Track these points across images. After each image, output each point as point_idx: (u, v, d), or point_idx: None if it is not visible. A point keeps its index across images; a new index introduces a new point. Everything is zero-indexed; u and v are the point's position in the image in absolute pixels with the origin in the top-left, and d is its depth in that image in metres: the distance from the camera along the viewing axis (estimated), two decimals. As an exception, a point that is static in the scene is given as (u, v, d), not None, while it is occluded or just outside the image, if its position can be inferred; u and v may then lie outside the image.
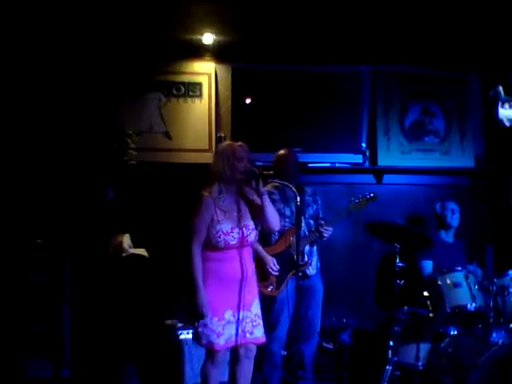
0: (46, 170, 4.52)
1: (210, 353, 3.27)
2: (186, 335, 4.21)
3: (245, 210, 3.37)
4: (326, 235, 4.09)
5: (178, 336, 4.21)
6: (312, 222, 4.22)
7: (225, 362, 3.48)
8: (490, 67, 5.07)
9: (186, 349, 4.20)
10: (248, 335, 3.29)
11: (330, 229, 4.10)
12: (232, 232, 3.26)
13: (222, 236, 3.23)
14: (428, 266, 4.47)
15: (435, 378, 3.90)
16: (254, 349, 3.38)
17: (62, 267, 4.39)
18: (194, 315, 3.22)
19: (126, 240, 4.38)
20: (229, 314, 3.25)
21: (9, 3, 3.83)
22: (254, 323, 3.31)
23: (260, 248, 3.99)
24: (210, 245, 3.26)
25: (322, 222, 4.12)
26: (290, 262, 3.99)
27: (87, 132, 4.62)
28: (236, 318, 3.26)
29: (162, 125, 4.86)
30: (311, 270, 4.17)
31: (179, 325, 4.32)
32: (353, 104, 4.95)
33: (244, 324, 3.28)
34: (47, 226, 4.43)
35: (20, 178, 4.46)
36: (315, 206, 4.27)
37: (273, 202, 4.00)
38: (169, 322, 4.39)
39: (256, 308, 3.35)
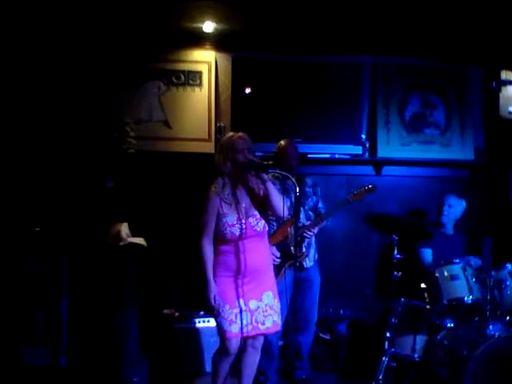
0: (45, 159, 4.51)
1: (223, 341, 3.31)
2: (202, 324, 4.24)
3: (250, 200, 3.39)
4: (307, 237, 4.10)
5: (195, 325, 4.25)
6: (311, 213, 4.22)
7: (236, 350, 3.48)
8: (490, 60, 5.06)
9: (203, 337, 4.24)
10: (260, 326, 3.34)
11: (314, 230, 4.11)
12: (237, 223, 3.30)
13: (228, 228, 3.29)
14: (427, 254, 4.47)
15: (431, 369, 3.92)
16: (261, 339, 3.43)
17: (60, 256, 4.39)
18: (206, 308, 3.32)
19: (125, 229, 4.37)
20: (242, 303, 3.31)
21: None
22: (265, 313, 3.35)
23: None
24: (219, 238, 3.32)
25: (308, 223, 4.12)
26: (287, 253, 4.00)
27: (86, 120, 4.60)
28: (247, 308, 3.30)
29: (161, 113, 4.84)
30: (308, 263, 4.17)
31: (176, 314, 4.33)
32: (353, 95, 4.93)
33: (256, 314, 3.32)
34: (45, 214, 4.43)
35: (19, 167, 4.45)
36: (315, 198, 4.27)
37: (273, 192, 4.03)
38: (166, 311, 4.41)
39: (268, 298, 3.38)
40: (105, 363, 4.10)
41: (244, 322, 3.29)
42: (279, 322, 3.43)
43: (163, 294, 4.47)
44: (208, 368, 4.06)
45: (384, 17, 4.28)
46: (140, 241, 4.40)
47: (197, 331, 4.27)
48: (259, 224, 3.36)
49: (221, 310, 3.28)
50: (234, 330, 3.27)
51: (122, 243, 4.32)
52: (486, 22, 4.31)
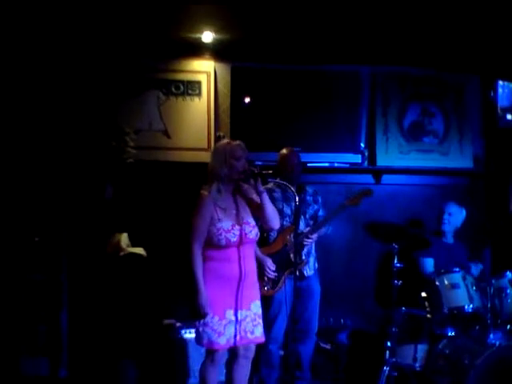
0: (45, 168, 4.51)
1: (210, 352, 3.26)
2: (189, 335, 4.20)
3: (244, 207, 3.36)
4: (305, 244, 4.08)
5: (182, 335, 4.20)
6: (312, 222, 4.21)
7: (222, 361, 3.47)
8: (488, 69, 5.08)
9: (189, 348, 4.19)
10: (249, 335, 3.27)
11: (313, 236, 4.10)
12: (233, 229, 3.24)
13: (224, 234, 3.21)
14: (429, 263, 4.46)
15: (432, 379, 3.90)
16: (253, 349, 3.38)
17: (60, 265, 4.38)
18: (195, 315, 3.19)
19: (124, 239, 4.38)
20: (230, 314, 3.23)
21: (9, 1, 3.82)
22: (254, 322, 3.29)
23: (257, 249, 3.99)
24: (211, 244, 3.24)
25: (307, 229, 4.11)
26: (287, 261, 3.99)
27: (86, 130, 4.61)
28: (235, 318, 3.23)
29: (160, 123, 4.84)
30: (308, 271, 4.16)
31: (178, 324, 4.32)
32: (352, 104, 4.94)
33: (245, 323, 3.26)
34: (45, 224, 4.42)
35: (19, 176, 4.45)
36: (316, 206, 4.27)
37: (274, 200, 4.04)
38: (167, 321, 4.40)
39: (256, 307, 3.33)
40: (104, 373, 4.08)
41: (232, 332, 3.22)
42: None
43: (163, 304, 4.45)
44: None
45: (382, 26, 4.30)
46: (140, 251, 4.41)
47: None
48: (253, 232, 3.32)
49: (209, 321, 3.19)
50: (221, 341, 3.20)
51: (121, 253, 4.33)
52: (484, 31, 4.33)
